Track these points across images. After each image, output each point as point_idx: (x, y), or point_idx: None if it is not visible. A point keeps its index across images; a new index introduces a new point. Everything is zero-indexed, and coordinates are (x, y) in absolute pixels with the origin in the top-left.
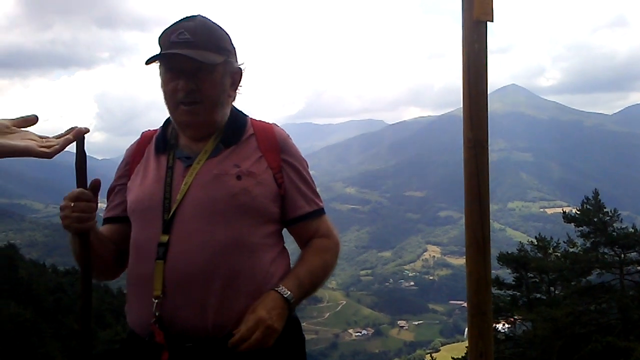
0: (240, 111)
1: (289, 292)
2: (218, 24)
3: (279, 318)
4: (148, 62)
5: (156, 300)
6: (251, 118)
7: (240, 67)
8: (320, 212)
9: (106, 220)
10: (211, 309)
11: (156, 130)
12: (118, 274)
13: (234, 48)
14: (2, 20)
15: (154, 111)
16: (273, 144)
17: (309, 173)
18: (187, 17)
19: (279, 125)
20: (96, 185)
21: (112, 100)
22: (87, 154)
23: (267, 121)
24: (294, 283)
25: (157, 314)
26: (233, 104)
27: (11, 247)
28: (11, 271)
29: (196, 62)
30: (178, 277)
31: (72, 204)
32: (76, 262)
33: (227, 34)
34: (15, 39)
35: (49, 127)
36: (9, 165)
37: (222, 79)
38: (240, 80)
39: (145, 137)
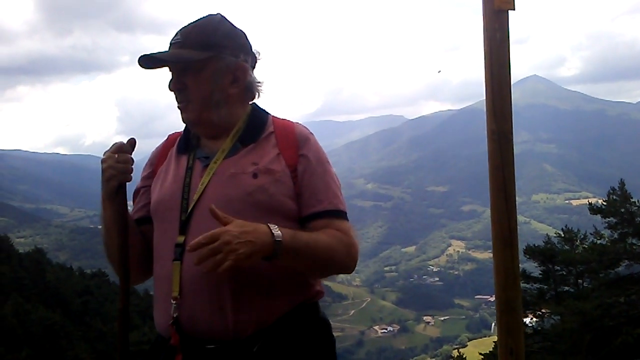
0: (263, 110)
1: (279, 232)
2: (226, 20)
3: (247, 245)
4: (142, 65)
5: (174, 302)
6: (273, 116)
7: (242, 62)
8: (336, 213)
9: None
10: (229, 310)
11: (181, 132)
12: (142, 276)
13: (237, 43)
14: (23, 27)
15: (174, 113)
16: (292, 141)
17: (329, 172)
18: (198, 19)
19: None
20: (133, 143)
21: (133, 103)
22: None
23: (290, 120)
24: (289, 232)
25: (175, 315)
26: (256, 101)
27: (39, 251)
28: (39, 275)
29: (176, 62)
30: (194, 278)
31: (117, 155)
32: (106, 235)
33: (226, 29)
34: (36, 46)
35: (71, 132)
36: (35, 170)
37: (212, 76)
38: (244, 76)
39: (171, 139)
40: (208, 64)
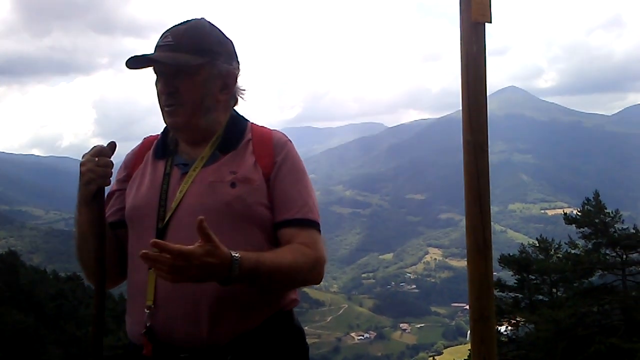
0: (242, 117)
1: (238, 263)
2: (216, 26)
3: (203, 272)
4: (129, 65)
5: (148, 311)
6: (252, 123)
7: (233, 69)
8: (304, 222)
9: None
10: (204, 320)
11: (158, 135)
12: (115, 281)
13: (228, 51)
14: (0, 27)
15: (153, 116)
16: (268, 149)
17: (301, 180)
18: (185, 21)
19: (279, 130)
20: (113, 146)
21: (111, 105)
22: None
23: (269, 127)
24: (250, 261)
25: (148, 324)
26: (235, 108)
27: (12, 253)
28: (12, 278)
29: (174, 65)
30: (169, 288)
31: (97, 159)
32: (81, 239)
33: (218, 35)
34: (14, 46)
35: (47, 133)
36: (10, 171)
37: (205, 81)
38: (233, 83)
39: (147, 143)
40: (202, 69)
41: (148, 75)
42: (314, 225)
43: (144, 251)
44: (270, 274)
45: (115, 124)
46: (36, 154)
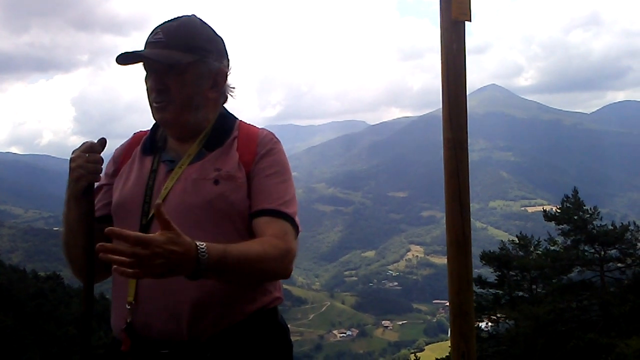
0: (231, 114)
1: (206, 254)
2: (207, 24)
3: (168, 267)
4: (119, 61)
5: (129, 307)
6: (241, 121)
7: (223, 67)
8: (279, 214)
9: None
10: (185, 317)
11: (147, 131)
12: (101, 276)
13: (219, 49)
14: None
15: (133, 114)
16: (252, 148)
17: (282, 179)
18: (176, 18)
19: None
20: (104, 143)
21: (91, 103)
22: (63, 158)
23: (256, 126)
24: (217, 250)
25: (128, 320)
26: (225, 106)
27: None
28: None
29: (164, 63)
30: (150, 284)
31: (87, 155)
32: (69, 235)
33: (209, 33)
34: None
35: (26, 131)
36: None
37: (195, 79)
38: (223, 82)
39: (136, 138)
40: (192, 66)
41: (128, 72)
42: (287, 219)
43: (99, 244)
44: (238, 265)
45: (95, 122)
46: (15, 152)
